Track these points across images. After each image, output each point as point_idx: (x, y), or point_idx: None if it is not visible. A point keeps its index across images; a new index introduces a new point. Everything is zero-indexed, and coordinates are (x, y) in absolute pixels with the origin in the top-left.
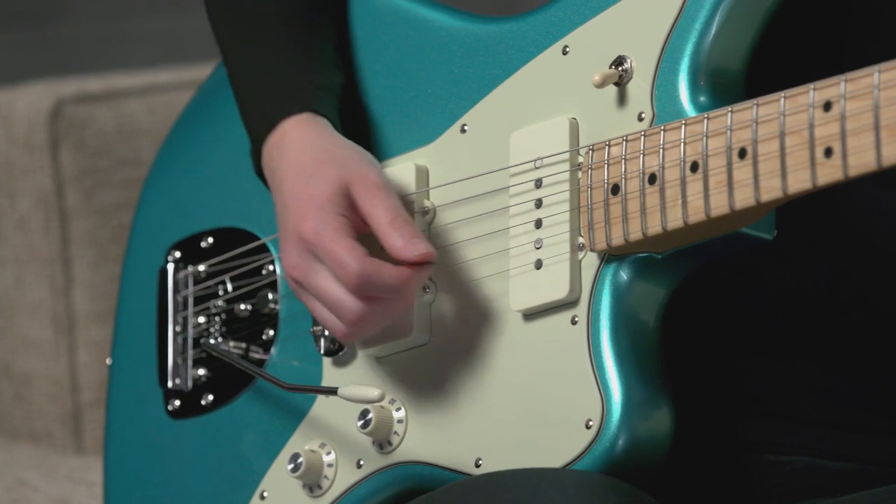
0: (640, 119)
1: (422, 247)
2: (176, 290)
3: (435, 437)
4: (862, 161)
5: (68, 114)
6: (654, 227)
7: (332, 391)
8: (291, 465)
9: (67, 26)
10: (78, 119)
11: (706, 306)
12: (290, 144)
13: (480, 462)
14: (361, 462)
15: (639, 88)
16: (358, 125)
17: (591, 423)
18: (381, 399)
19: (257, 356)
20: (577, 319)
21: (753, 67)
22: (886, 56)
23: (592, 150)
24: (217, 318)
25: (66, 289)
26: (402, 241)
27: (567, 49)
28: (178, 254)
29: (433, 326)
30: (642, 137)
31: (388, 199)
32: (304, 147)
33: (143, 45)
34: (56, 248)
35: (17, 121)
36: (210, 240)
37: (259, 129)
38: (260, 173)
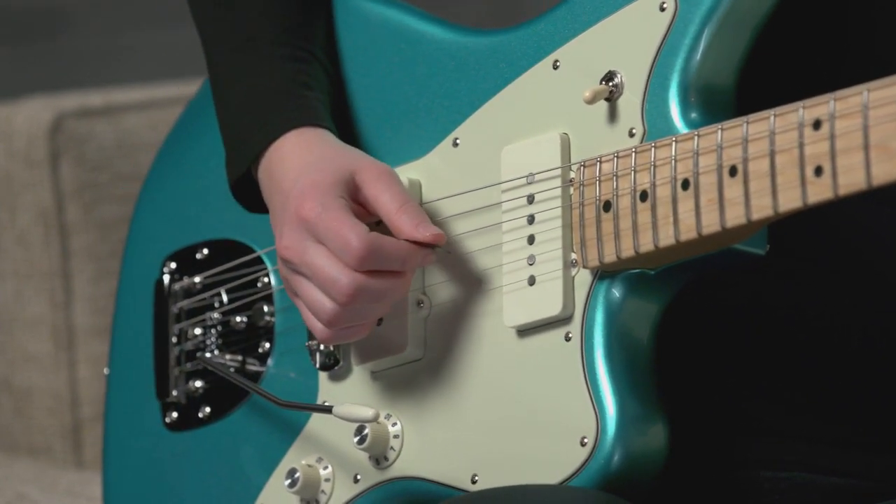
0: (632, 135)
1: (433, 228)
2: (172, 302)
3: (431, 453)
4: (852, 180)
5: (68, 128)
6: (647, 245)
7: (326, 410)
8: (289, 481)
9: (68, 41)
10: (78, 134)
11: (701, 324)
12: (291, 148)
13: (477, 478)
14: (358, 477)
15: (629, 104)
16: (349, 138)
17: (585, 440)
18: (375, 419)
19: (254, 368)
20: (570, 336)
21: (748, 81)
22: (883, 64)
23: (584, 167)
24: (213, 331)
25: (66, 303)
26: (411, 223)
27: (558, 63)
28: (173, 265)
29: (428, 342)
30: (633, 154)
31: (395, 185)
32: (308, 147)
33: (143, 59)
34: (56, 262)
35: (17, 135)
36: (205, 251)
37: (255, 142)
38: (234, 186)
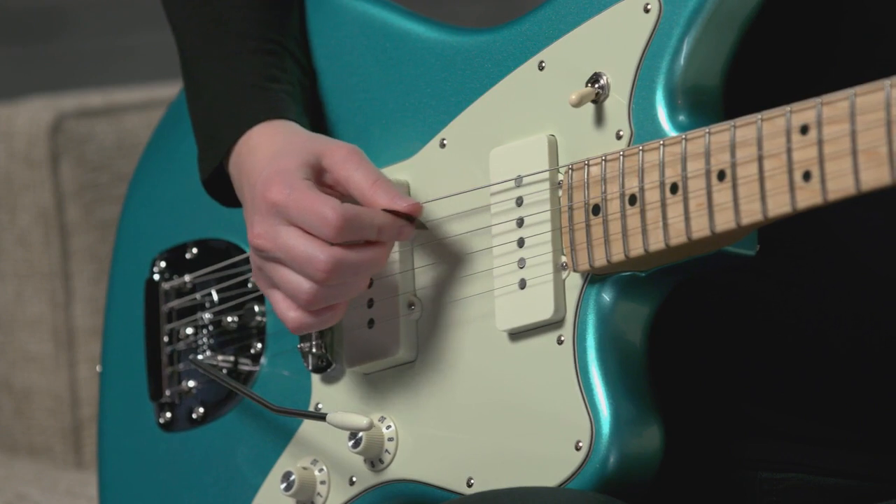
0: (619, 137)
1: (410, 199)
2: (163, 301)
3: (426, 456)
4: (841, 186)
5: (69, 129)
6: (636, 249)
7: (320, 417)
8: (284, 484)
9: (68, 42)
10: (78, 134)
11: (695, 325)
12: (258, 141)
13: (472, 481)
14: (354, 479)
15: (616, 106)
16: (335, 138)
17: (580, 444)
18: (369, 428)
19: (246, 368)
20: (563, 339)
21: (735, 82)
22: (872, 65)
23: (572, 170)
24: (205, 331)
25: (66, 303)
26: (387, 196)
27: (543, 64)
28: (163, 264)
29: (420, 344)
30: (621, 158)
31: (364, 163)
32: (273, 138)
33: (143, 60)
34: (56, 262)
35: (17, 136)
36: (194, 250)
37: (223, 138)
38: (207, 180)
